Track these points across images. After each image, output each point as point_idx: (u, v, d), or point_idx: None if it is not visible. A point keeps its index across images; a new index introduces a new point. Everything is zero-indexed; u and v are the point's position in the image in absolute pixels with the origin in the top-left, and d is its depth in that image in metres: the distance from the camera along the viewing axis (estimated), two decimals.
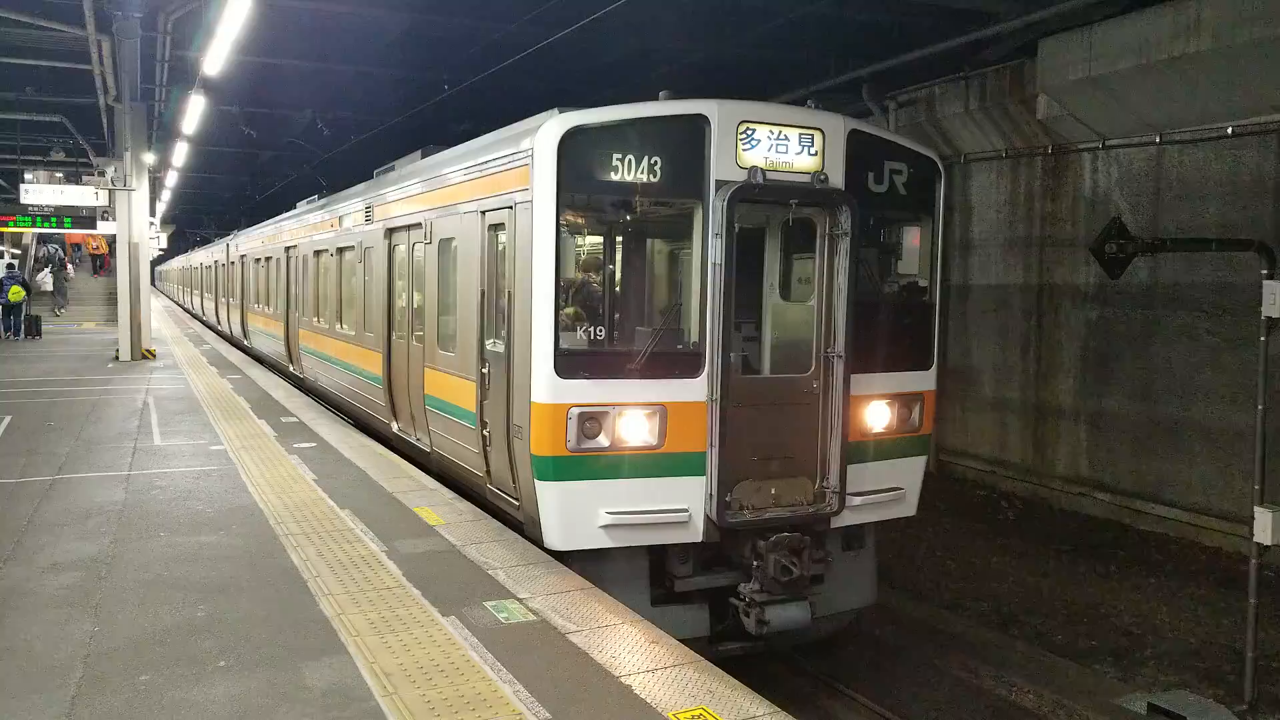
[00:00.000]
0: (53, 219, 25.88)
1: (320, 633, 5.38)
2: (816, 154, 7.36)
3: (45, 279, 40.48)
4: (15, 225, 27.52)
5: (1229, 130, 11.78)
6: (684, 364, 7.10)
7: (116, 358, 20.93)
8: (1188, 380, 12.50)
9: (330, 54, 16.73)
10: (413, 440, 10.41)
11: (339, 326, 13.86)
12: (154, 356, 21.29)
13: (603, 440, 6.90)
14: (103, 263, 39.96)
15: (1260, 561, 7.87)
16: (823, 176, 7.35)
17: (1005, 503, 14.72)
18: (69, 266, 43.00)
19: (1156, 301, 12.93)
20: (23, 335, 28.50)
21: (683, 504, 7.09)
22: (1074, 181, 14.09)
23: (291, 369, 18.01)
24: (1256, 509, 7.69)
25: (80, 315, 36.19)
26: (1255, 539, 7.68)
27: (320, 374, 15.41)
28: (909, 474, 8.17)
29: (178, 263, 60.32)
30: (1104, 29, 12.14)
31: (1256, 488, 7.84)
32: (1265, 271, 7.84)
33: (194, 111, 18.75)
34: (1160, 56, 11.48)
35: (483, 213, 8.15)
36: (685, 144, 7.06)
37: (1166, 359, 12.78)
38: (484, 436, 8.08)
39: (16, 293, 28.22)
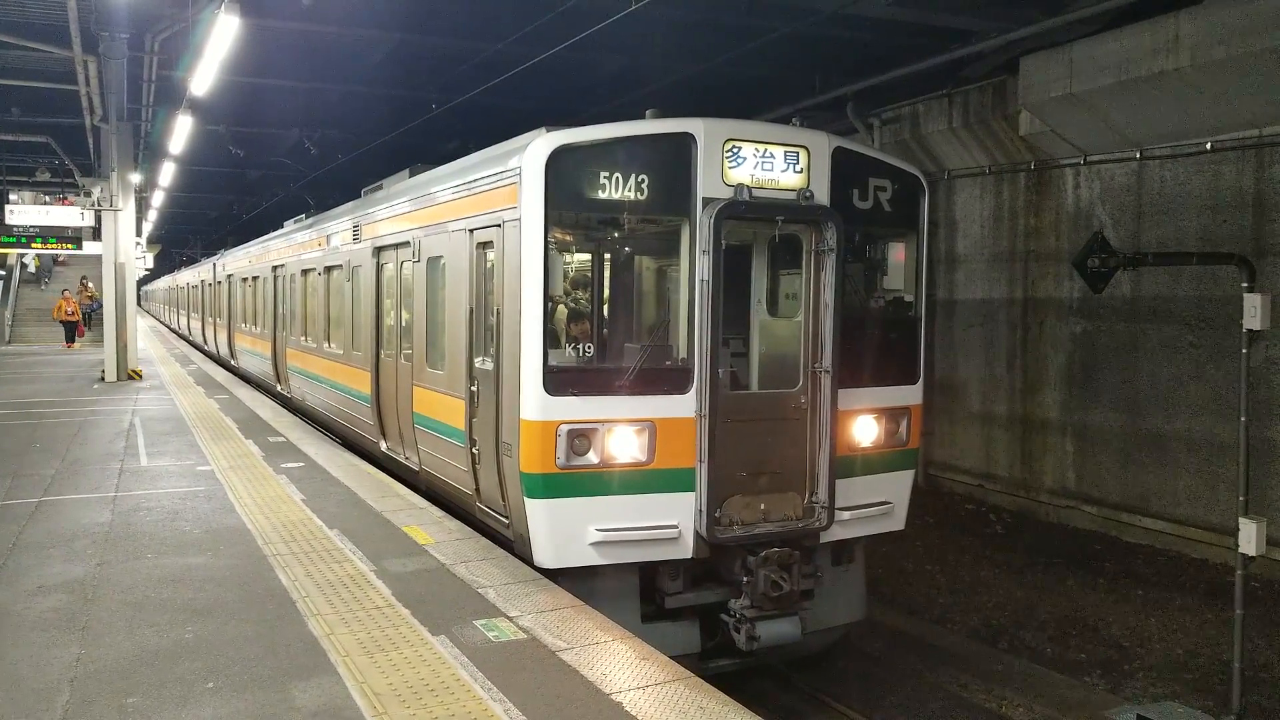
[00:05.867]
0: (38, 239, 25.83)
1: (309, 653, 5.35)
2: (802, 171, 7.43)
3: (30, 258, 40.65)
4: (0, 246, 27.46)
5: (1208, 146, 11.93)
6: (673, 380, 7.12)
7: (102, 378, 20.80)
8: (1172, 392, 12.59)
9: (318, 73, 16.76)
10: (401, 459, 10.39)
11: (327, 345, 13.84)
12: (140, 377, 21.15)
13: (592, 457, 6.91)
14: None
15: (1246, 572, 7.93)
16: (808, 193, 7.42)
17: (994, 516, 14.76)
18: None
19: (1140, 315, 13.03)
20: None
21: (672, 520, 7.10)
22: (1057, 196, 14.23)
23: (279, 388, 17.95)
24: (1241, 520, 7.74)
25: (63, 336, 35.88)
26: (1240, 550, 7.73)
27: (308, 393, 15.37)
28: (897, 488, 8.20)
29: (164, 282, 60.06)
30: (1084, 46, 12.29)
31: (1241, 499, 7.90)
32: (1245, 284, 7.92)
33: (181, 131, 18.71)
34: (1139, 73, 11.63)
35: (471, 231, 8.17)
36: (672, 162, 7.12)
37: (1151, 372, 12.87)
38: (473, 454, 8.07)
39: None
